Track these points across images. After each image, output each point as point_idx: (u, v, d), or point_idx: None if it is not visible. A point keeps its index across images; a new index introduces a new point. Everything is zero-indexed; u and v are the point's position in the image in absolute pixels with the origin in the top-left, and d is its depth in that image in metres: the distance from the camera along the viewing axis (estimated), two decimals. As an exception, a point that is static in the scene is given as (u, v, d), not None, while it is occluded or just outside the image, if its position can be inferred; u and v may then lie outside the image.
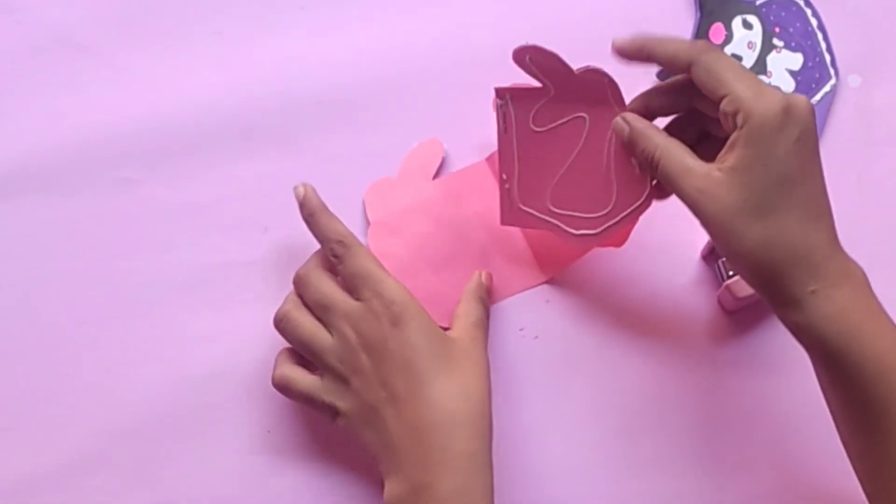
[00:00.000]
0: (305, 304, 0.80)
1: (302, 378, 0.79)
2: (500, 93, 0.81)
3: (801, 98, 0.68)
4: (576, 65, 0.80)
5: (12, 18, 0.93)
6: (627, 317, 0.87)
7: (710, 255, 0.86)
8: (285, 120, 0.91)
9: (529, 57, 0.80)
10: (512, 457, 0.84)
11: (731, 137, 0.68)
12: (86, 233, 0.89)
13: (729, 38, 0.91)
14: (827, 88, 0.91)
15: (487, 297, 0.84)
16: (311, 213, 0.80)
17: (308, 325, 0.79)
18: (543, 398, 0.86)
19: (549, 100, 0.81)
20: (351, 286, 0.78)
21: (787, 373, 0.85)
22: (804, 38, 0.91)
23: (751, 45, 0.91)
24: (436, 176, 0.89)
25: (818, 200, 0.68)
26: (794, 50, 0.91)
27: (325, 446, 0.85)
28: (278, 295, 0.84)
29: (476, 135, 0.89)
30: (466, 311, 0.81)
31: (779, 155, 0.66)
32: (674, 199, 0.73)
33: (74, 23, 0.93)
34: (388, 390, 0.75)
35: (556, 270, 0.87)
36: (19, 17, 0.93)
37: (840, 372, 0.67)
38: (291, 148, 0.90)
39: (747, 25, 0.91)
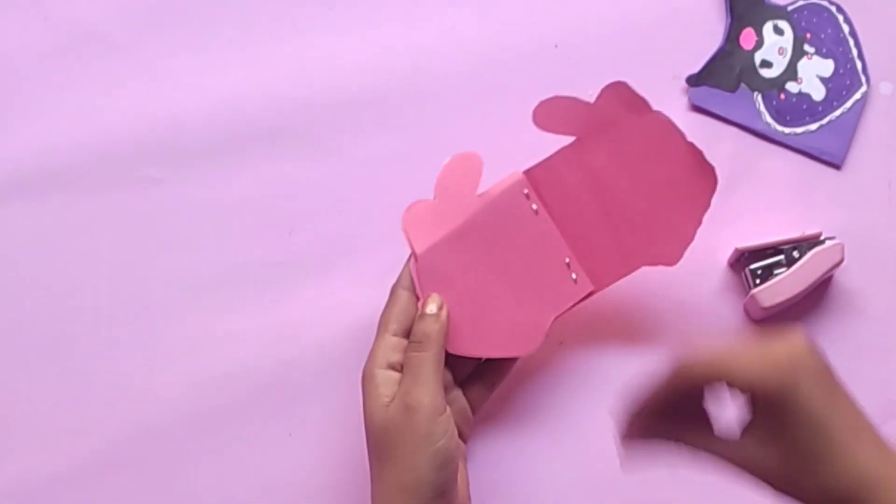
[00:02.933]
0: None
1: None
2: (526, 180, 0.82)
3: (797, 337, 0.65)
4: (604, 71, 0.81)
5: (40, 15, 0.92)
6: (652, 324, 0.86)
7: (736, 263, 0.86)
8: (312, 121, 0.90)
9: (544, 114, 0.81)
10: (532, 461, 0.84)
11: (752, 408, 0.65)
12: (110, 232, 0.88)
13: (759, 44, 0.90)
14: (857, 96, 0.90)
15: (439, 337, 0.78)
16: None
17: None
18: (567, 405, 0.85)
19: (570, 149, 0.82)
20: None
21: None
22: (836, 44, 0.90)
23: (781, 50, 0.90)
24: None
25: (853, 424, 0.65)
26: (825, 56, 0.90)
27: (346, 452, 0.84)
28: (303, 296, 0.85)
29: (509, 139, 0.87)
30: (415, 364, 0.77)
31: (802, 408, 0.63)
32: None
33: (102, 20, 0.92)
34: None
35: (607, 281, 0.84)
36: (47, 14, 0.92)
37: None
38: (318, 150, 0.90)
39: (778, 31, 0.90)
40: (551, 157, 0.82)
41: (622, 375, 0.82)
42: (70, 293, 0.87)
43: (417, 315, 0.78)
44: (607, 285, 0.83)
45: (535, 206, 0.82)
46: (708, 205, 0.81)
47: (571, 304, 0.82)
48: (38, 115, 0.90)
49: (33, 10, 0.92)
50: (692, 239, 0.81)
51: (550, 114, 0.81)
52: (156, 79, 0.91)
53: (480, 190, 0.81)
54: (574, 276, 0.82)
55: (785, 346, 0.64)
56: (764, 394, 0.63)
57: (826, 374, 0.65)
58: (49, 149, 0.89)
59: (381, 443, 0.74)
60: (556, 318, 0.82)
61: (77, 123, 0.90)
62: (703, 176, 0.81)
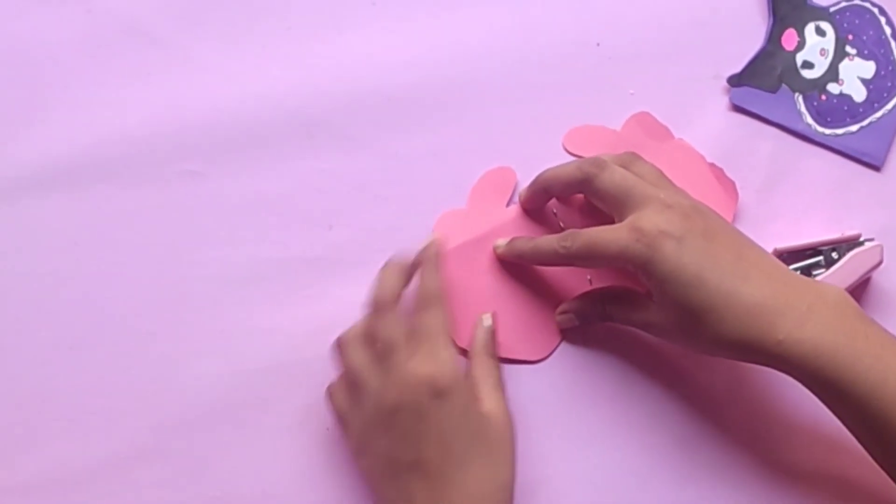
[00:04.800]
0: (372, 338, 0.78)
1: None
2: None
3: (683, 201, 0.75)
4: (645, 71, 0.86)
5: (82, 8, 0.92)
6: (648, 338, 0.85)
7: (780, 258, 0.85)
8: (351, 117, 0.90)
9: (573, 140, 0.87)
10: (531, 481, 0.83)
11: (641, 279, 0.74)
12: (150, 225, 0.88)
13: (801, 45, 0.90)
14: (899, 98, 0.89)
15: (495, 347, 0.82)
16: (424, 261, 0.81)
17: (363, 358, 0.78)
18: (562, 423, 0.85)
19: None
20: (412, 337, 0.77)
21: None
22: (877, 46, 0.90)
23: (823, 52, 0.90)
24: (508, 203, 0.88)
25: (745, 255, 0.73)
26: (866, 58, 0.90)
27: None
28: (340, 293, 0.85)
29: (549, 142, 0.89)
30: (483, 374, 0.80)
31: (683, 269, 0.71)
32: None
33: (143, 13, 0.92)
34: (418, 456, 0.73)
35: None
36: (89, 7, 0.92)
37: (832, 399, 0.71)
38: (357, 145, 0.89)
39: (820, 32, 0.90)
40: None
41: (619, 392, 0.84)
42: (108, 284, 0.87)
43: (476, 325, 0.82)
44: None
45: (562, 224, 0.85)
46: (730, 220, 0.85)
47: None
48: (80, 107, 0.90)
49: (75, 2, 0.92)
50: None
51: (579, 140, 0.88)
52: (196, 72, 0.91)
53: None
54: (590, 280, 0.86)
55: (641, 218, 0.72)
56: (633, 265, 0.72)
57: (693, 234, 0.72)
58: (90, 141, 0.89)
59: (459, 448, 0.74)
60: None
61: (117, 116, 0.90)
62: (725, 193, 0.85)
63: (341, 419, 0.79)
